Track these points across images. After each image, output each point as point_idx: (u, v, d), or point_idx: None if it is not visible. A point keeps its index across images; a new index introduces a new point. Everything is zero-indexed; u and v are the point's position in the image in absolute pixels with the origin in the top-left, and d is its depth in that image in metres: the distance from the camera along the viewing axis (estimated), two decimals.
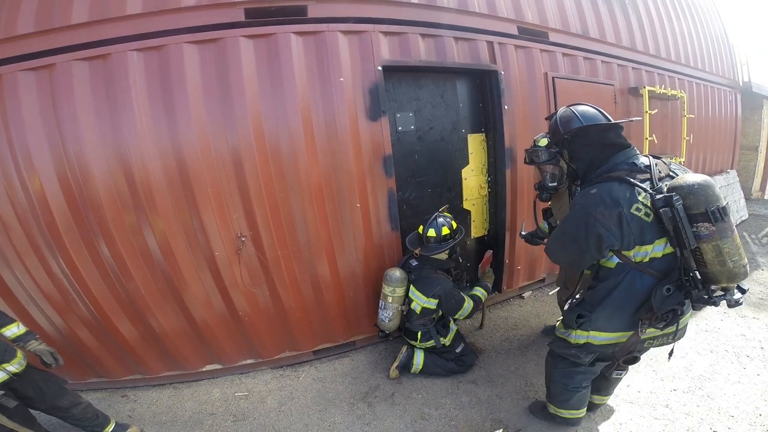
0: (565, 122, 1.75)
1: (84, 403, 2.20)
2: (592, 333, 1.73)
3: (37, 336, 2.08)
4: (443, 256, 2.62)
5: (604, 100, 3.75)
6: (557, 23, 3.36)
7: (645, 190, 1.50)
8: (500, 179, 3.23)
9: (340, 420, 2.38)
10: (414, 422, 2.29)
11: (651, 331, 1.64)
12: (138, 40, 2.13)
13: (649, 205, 1.48)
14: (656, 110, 4.27)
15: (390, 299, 2.59)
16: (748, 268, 1.44)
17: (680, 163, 4.78)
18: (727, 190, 5.73)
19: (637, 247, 1.55)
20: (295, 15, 2.37)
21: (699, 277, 1.48)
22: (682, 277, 1.51)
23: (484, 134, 3.25)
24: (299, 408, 2.51)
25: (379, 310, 2.66)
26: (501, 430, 2.16)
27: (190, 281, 2.48)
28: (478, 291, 2.73)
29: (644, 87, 4.11)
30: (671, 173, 1.59)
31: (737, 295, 1.50)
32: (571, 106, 1.79)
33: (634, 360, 1.74)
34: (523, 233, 2.71)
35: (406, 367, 2.67)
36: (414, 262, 2.65)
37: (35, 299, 2.45)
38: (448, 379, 2.63)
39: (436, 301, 2.50)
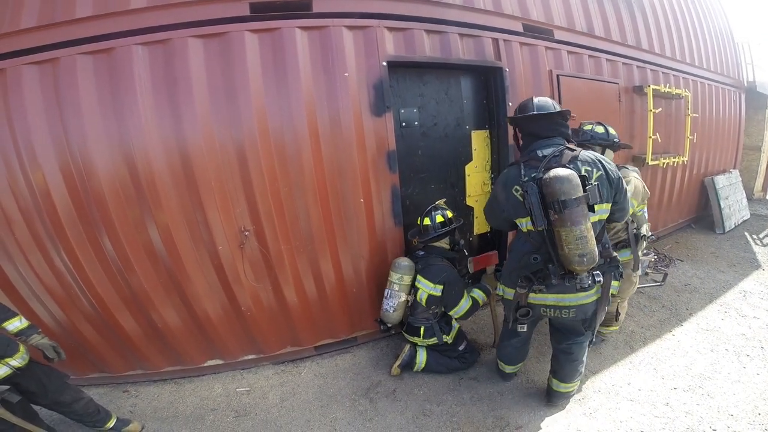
0: (516, 109, 2.11)
1: (86, 398, 2.21)
2: (502, 287, 2.17)
3: (40, 330, 2.09)
4: (445, 245, 2.68)
5: (608, 98, 3.77)
6: (563, 21, 3.38)
7: (523, 176, 1.82)
8: None
9: (341, 416, 2.41)
10: (416, 418, 2.32)
11: (540, 296, 1.95)
12: (143, 34, 2.14)
13: (519, 188, 1.85)
14: (660, 109, 4.29)
15: (397, 287, 2.60)
16: (585, 259, 1.66)
17: (683, 162, 4.85)
18: (729, 190, 5.76)
19: (518, 218, 1.95)
20: (300, 10, 2.39)
21: (554, 255, 1.78)
22: (550, 252, 1.80)
23: (488, 131, 3.28)
24: (301, 404, 2.54)
25: (384, 299, 2.68)
26: None
27: (193, 276, 2.50)
28: (476, 293, 2.68)
29: (649, 86, 4.13)
30: (568, 164, 1.80)
31: (586, 282, 1.76)
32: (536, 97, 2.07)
33: (525, 313, 2.01)
34: None
35: (408, 366, 2.68)
36: (420, 253, 2.68)
37: (37, 293, 2.46)
38: (450, 376, 2.66)
39: (442, 287, 2.52)
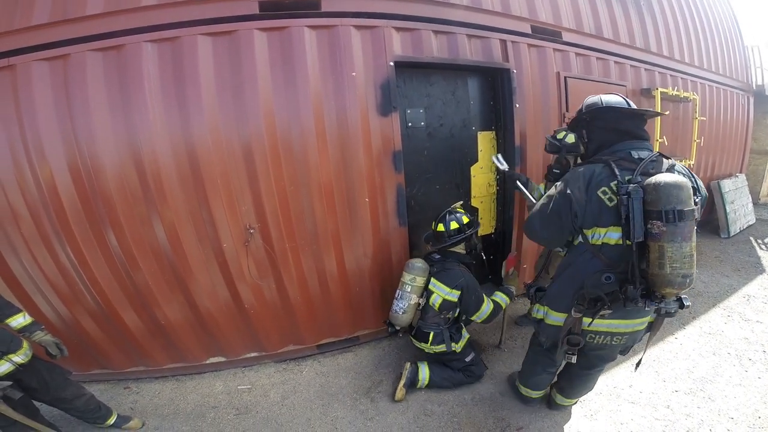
0: (589, 103, 1.85)
1: (87, 395, 2.24)
2: (546, 309, 1.89)
3: (43, 326, 2.11)
4: (461, 249, 2.65)
5: None
6: (571, 23, 3.42)
7: (617, 177, 1.56)
8: (509, 177, 3.29)
9: (342, 415, 2.45)
10: (417, 418, 2.36)
11: (598, 323, 1.70)
12: (153, 31, 2.18)
13: (614, 190, 1.56)
14: (668, 112, 4.34)
15: (409, 288, 2.56)
16: (688, 281, 1.43)
17: (689, 165, 4.89)
18: (735, 194, 5.81)
19: (594, 227, 1.65)
20: (309, 9, 2.43)
21: (639, 275, 1.53)
22: (627, 272, 1.55)
23: (494, 132, 3.33)
24: (302, 402, 2.58)
25: (394, 300, 2.64)
26: None
27: (198, 273, 2.55)
28: (499, 297, 2.64)
29: (657, 88, 4.17)
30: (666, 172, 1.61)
31: (672, 306, 1.52)
32: (603, 95, 1.87)
33: (577, 342, 1.78)
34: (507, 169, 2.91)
35: (412, 384, 2.57)
36: (436, 256, 2.64)
37: (42, 289, 2.51)
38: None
39: (459, 293, 2.47)
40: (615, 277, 1.58)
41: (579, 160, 2.39)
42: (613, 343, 1.75)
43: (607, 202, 1.58)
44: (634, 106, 1.76)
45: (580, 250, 1.75)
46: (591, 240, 1.68)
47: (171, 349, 2.83)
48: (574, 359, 1.84)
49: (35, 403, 2.12)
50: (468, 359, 2.62)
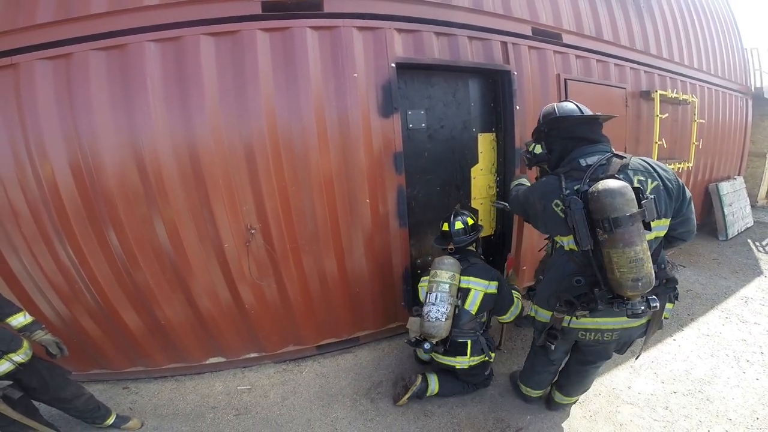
0: (545, 114, 1.94)
1: (86, 395, 2.25)
2: (536, 307, 2.00)
3: (44, 326, 2.12)
4: (473, 248, 2.62)
5: (615, 103, 3.86)
6: (571, 25, 3.47)
7: (564, 189, 1.64)
8: (509, 179, 3.33)
9: (342, 415, 2.47)
10: (417, 419, 2.39)
11: (583, 321, 1.76)
12: (155, 30, 2.20)
13: (561, 202, 1.65)
14: (667, 114, 4.38)
15: (448, 287, 2.26)
16: (640, 284, 1.46)
17: (688, 168, 4.95)
18: (733, 197, 5.87)
19: (558, 236, 1.76)
20: (311, 9, 2.46)
21: (602, 278, 1.59)
22: (597, 275, 1.61)
23: (494, 134, 3.35)
24: (302, 403, 2.60)
25: (430, 306, 2.26)
26: None
27: (198, 272, 2.57)
28: (516, 293, 2.56)
29: (656, 91, 4.22)
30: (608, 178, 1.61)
31: (638, 308, 1.54)
32: (558, 102, 1.96)
33: (555, 336, 1.87)
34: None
35: (418, 397, 2.45)
36: (457, 255, 2.48)
37: (42, 288, 2.52)
38: None
39: (497, 283, 2.35)
40: (585, 281, 1.67)
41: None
42: (605, 339, 1.80)
43: (561, 214, 1.66)
44: (588, 112, 1.84)
45: (560, 253, 1.83)
46: (565, 246, 1.76)
47: (170, 349, 2.84)
48: (553, 348, 1.92)
49: (34, 402, 2.12)
50: (487, 372, 2.51)
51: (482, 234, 3.48)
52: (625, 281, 1.47)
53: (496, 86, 3.22)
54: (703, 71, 5.13)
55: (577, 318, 1.75)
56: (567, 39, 3.44)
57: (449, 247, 2.53)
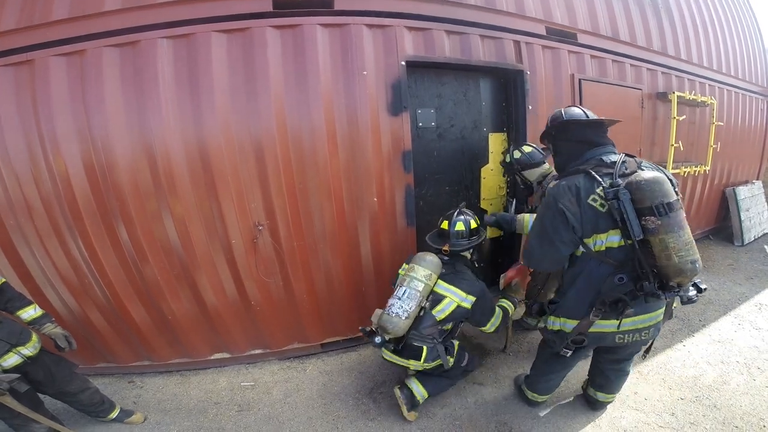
0: (553, 118, 2.01)
1: (92, 389, 2.32)
2: (562, 319, 1.96)
3: (53, 319, 2.20)
4: (467, 254, 2.50)
5: (630, 104, 3.87)
6: (587, 25, 3.49)
7: (602, 184, 1.67)
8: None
9: (344, 414, 2.52)
10: (418, 420, 2.43)
11: (625, 321, 1.78)
12: (168, 27, 2.28)
13: (603, 196, 1.66)
14: (684, 116, 4.37)
15: (421, 286, 2.19)
16: (697, 266, 1.54)
17: (705, 171, 4.94)
18: (751, 202, 5.83)
19: (594, 235, 1.74)
20: (322, 7, 2.52)
21: (649, 270, 1.62)
22: (638, 269, 1.65)
23: (505, 134, 3.40)
24: (304, 400, 2.66)
25: (395, 300, 2.20)
26: None
27: (206, 268, 2.65)
28: (505, 303, 2.56)
29: (673, 92, 4.21)
30: (639, 170, 1.71)
31: (691, 292, 1.64)
32: (565, 108, 2.02)
33: (581, 341, 1.90)
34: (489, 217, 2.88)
35: (413, 406, 2.40)
36: (445, 258, 2.41)
37: (52, 281, 2.62)
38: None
39: (474, 299, 2.25)
40: (627, 277, 1.70)
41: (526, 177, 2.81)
42: (643, 338, 1.86)
43: (600, 208, 1.68)
44: (593, 116, 1.92)
45: (584, 260, 1.82)
46: (594, 248, 1.75)
47: (176, 344, 2.93)
48: (569, 354, 1.99)
49: (39, 395, 2.17)
50: (464, 364, 2.48)
51: (491, 235, 3.55)
52: (685, 264, 1.52)
53: (508, 86, 3.26)
54: (722, 73, 5.09)
55: (626, 318, 1.76)
56: (582, 39, 3.46)
57: (444, 248, 2.41)
